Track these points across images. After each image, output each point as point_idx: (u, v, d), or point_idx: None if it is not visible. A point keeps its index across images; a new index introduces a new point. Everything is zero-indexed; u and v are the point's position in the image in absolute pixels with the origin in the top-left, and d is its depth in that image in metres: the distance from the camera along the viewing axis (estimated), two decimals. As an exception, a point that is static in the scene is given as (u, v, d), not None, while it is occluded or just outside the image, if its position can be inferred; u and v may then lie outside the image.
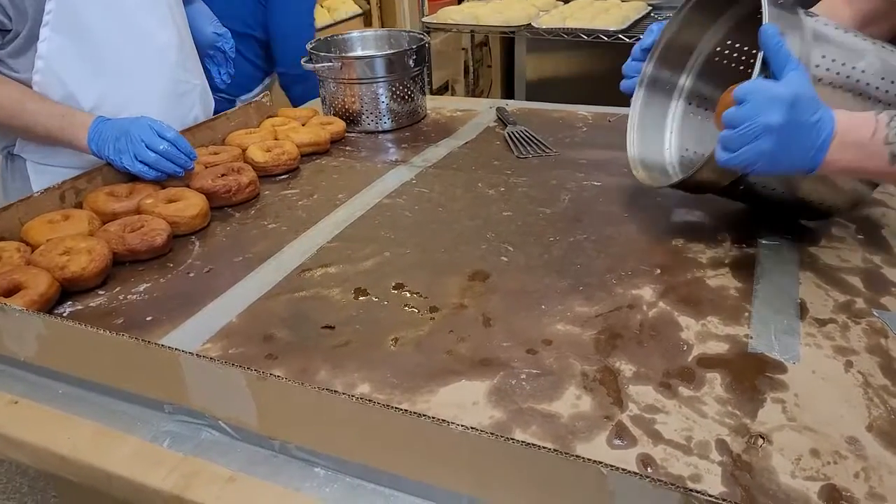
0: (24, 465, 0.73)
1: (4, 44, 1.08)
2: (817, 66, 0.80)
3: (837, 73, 0.80)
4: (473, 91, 3.23)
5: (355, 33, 1.57)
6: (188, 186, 1.07)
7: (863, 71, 0.80)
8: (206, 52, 1.46)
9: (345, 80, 1.39)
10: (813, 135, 0.72)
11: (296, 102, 1.82)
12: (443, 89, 3.13)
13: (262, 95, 1.42)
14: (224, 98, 1.76)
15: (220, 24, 1.46)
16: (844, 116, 0.73)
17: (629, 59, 1.03)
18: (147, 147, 1.05)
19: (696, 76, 1.03)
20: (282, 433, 0.59)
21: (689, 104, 1.04)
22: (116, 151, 1.05)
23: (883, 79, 0.80)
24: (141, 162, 1.05)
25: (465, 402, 0.66)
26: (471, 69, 3.25)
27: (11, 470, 1.88)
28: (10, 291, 0.81)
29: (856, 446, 0.58)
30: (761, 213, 0.98)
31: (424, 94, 1.49)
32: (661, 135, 1.04)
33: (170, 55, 1.25)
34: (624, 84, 1.03)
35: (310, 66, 1.39)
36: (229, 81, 1.51)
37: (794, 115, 0.71)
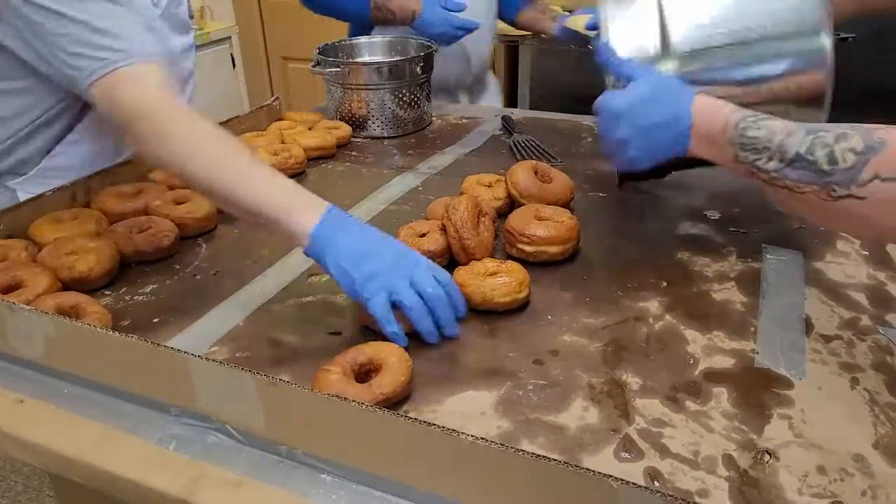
0: (19, 463, 0.73)
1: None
2: (678, 39, 0.83)
3: (693, 49, 0.83)
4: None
5: (363, 39, 1.57)
6: None
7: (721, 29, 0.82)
8: None
9: (352, 86, 1.39)
10: (666, 133, 0.76)
11: None
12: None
13: (273, 99, 1.42)
14: None
15: None
16: (704, 108, 0.75)
17: None
18: (412, 285, 0.74)
19: None
20: (289, 439, 0.59)
21: None
22: (368, 278, 0.73)
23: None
24: (395, 304, 0.73)
25: (472, 412, 0.66)
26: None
27: (6, 468, 1.87)
28: (11, 288, 0.81)
29: (862, 464, 0.59)
30: (766, 229, 0.98)
31: (430, 100, 1.50)
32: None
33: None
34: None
35: (317, 70, 1.40)
36: None
37: (635, 124, 0.77)
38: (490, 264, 0.84)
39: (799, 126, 0.66)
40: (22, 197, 1.08)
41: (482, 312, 0.80)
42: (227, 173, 0.78)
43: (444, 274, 0.76)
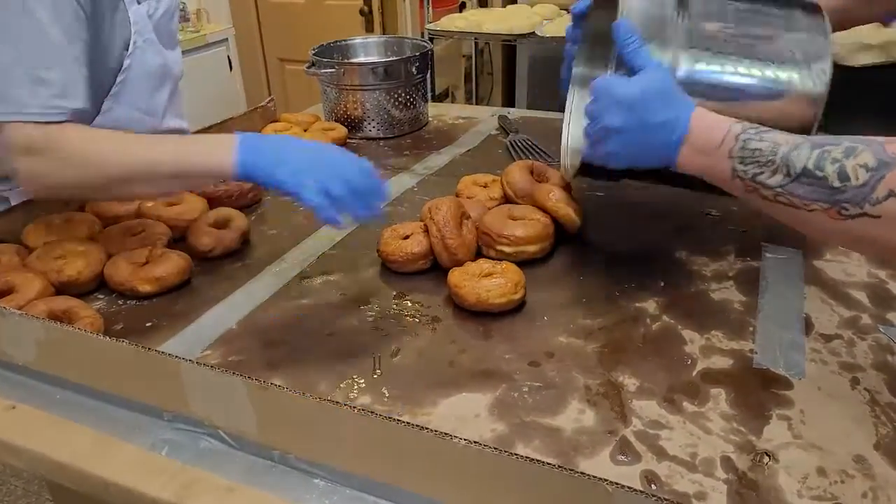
0: (19, 469, 0.73)
1: None
2: (692, 46, 0.77)
3: (707, 49, 0.77)
4: (475, 98, 3.22)
5: (358, 40, 1.56)
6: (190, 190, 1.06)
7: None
8: None
9: (347, 87, 1.39)
10: (660, 136, 0.70)
11: None
12: (443, 96, 3.13)
13: (267, 100, 1.41)
14: None
15: None
16: (701, 120, 0.69)
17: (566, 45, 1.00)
18: (338, 176, 0.78)
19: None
20: (282, 443, 0.59)
21: None
22: (297, 173, 0.78)
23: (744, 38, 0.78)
24: (326, 194, 0.77)
25: (466, 414, 0.65)
26: (472, 76, 3.24)
27: (6, 473, 1.87)
28: (3, 293, 0.80)
29: (863, 465, 0.58)
30: (765, 227, 0.98)
31: (427, 101, 1.49)
32: None
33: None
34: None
35: (312, 71, 1.39)
36: None
37: (636, 118, 0.70)
38: (485, 265, 0.83)
39: (803, 139, 0.62)
40: (15, 202, 1.07)
41: (477, 313, 0.80)
42: (139, 150, 0.82)
43: (363, 161, 0.81)
